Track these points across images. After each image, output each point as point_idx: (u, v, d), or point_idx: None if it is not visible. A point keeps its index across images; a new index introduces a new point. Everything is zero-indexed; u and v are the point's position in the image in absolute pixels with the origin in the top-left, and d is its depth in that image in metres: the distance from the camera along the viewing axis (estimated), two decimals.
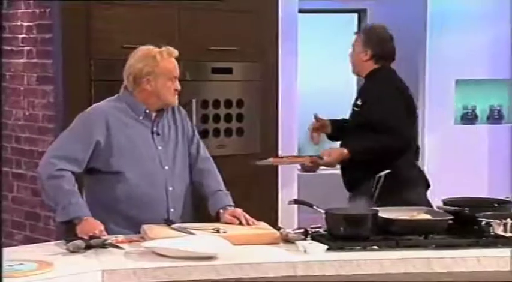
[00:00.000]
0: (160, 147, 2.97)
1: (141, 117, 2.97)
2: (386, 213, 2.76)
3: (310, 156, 3.61)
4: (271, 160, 3.75)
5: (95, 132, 2.88)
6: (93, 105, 3.06)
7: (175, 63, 3.00)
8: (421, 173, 3.68)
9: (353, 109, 3.61)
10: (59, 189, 2.80)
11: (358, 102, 3.57)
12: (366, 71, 3.59)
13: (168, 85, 2.96)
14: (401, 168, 3.49)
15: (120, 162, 2.88)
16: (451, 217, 2.77)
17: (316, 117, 3.72)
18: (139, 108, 2.97)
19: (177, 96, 3.01)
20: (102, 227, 2.71)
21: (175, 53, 3.00)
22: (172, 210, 2.92)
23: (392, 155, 3.44)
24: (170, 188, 2.93)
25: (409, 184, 3.50)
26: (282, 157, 4.06)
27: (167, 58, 2.97)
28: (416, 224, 2.76)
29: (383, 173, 3.45)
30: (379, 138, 3.41)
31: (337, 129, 3.71)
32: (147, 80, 2.95)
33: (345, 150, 3.47)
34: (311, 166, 3.83)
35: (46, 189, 2.84)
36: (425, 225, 2.76)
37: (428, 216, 2.83)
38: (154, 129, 2.99)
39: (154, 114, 2.99)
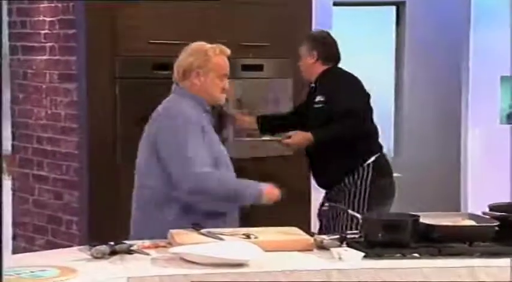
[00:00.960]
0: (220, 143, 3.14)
1: (204, 114, 3.09)
2: (426, 219, 2.74)
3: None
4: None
5: (200, 135, 3.00)
6: (174, 109, 3.07)
7: (227, 61, 3.13)
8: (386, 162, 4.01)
9: (314, 107, 3.90)
10: (226, 180, 2.99)
11: (319, 99, 3.87)
12: (317, 74, 3.95)
13: (216, 82, 3.09)
14: (383, 155, 3.94)
15: (218, 161, 3.03)
16: (497, 223, 2.74)
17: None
18: (203, 103, 3.09)
19: (224, 95, 3.15)
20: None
21: (228, 51, 3.13)
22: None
23: (357, 138, 3.78)
24: None
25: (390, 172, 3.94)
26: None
27: (219, 55, 3.10)
28: (460, 230, 2.74)
29: (371, 160, 3.84)
30: (343, 122, 3.72)
31: (271, 122, 4.11)
32: (197, 73, 3.07)
33: (309, 134, 3.78)
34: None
35: (216, 190, 2.95)
36: (469, 232, 2.73)
37: (472, 222, 2.80)
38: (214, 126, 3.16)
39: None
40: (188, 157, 2.92)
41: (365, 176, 3.83)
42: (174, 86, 3.17)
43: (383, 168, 3.92)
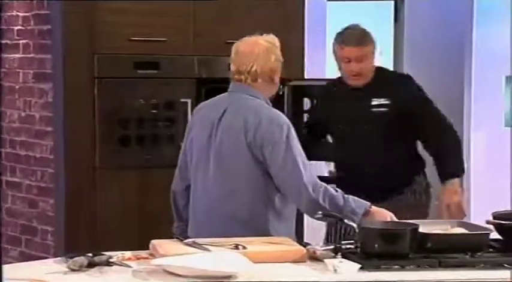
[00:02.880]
0: None
1: None
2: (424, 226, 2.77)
3: None
4: None
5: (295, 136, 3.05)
6: (268, 110, 3.07)
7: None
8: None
9: (371, 111, 3.56)
10: (332, 196, 2.95)
11: (380, 102, 3.56)
12: (373, 70, 3.60)
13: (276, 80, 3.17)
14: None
15: None
16: (490, 231, 2.76)
17: None
18: (268, 102, 3.12)
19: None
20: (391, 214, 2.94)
21: (278, 42, 3.22)
22: None
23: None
24: None
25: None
26: None
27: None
28: (453, 239, 2.75)
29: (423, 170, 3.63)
30: (449, 137, 3.52)
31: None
32: (278, 71, 3.15)
33: (457, 186, 3.44)
34: None
35: (323, 205, 2.94)
36: (463, 240, 2.75)
37: (463, 230, 2.83)
38: None
39: None
40: (298, 168, 2.95)
41: (424, 186, 3.65)
42: (236, 84, 3.11)
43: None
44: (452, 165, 3.48)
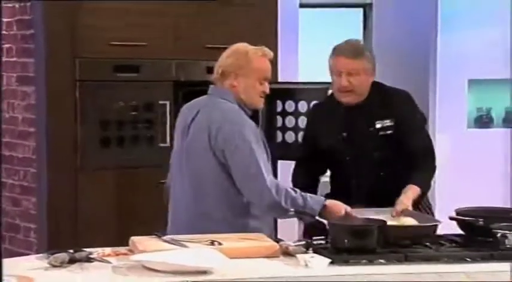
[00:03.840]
0: None
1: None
2: (369, 214, 2.89)
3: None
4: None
5: (260, 140, 3.00)
6: (234, 113, 3.01)
7: (269, 64, 3.07)
8: None
9: (378, 134, 3.30)
10: (292, 198, 2.94)
11: (385, 124, 3.30)
12: (368, 89, 3.32)
13: (256, 85, 3.03)
14: None
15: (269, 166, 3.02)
16: (438, 223, 2.83)
17: None
18: (243, 106, 3.06)
19: (263, 100, 3.09)
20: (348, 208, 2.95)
21: (270, 54, 3.07)
22: None
23: None
24: None
25: None
26: None
27: (261, 57, 3.04)
28: (403, 231, 2.82)
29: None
30: (427, 162, 3.31)
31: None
32: (235, 75, 3.02)
33: (410, 196, 3.17)
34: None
35: (284, 207, 2.93)
36: (413, 232, 2.82)
37: (413, 221, 2.90)
38: None
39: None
40: (260, 170, 2.91)
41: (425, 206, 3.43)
42: (212, 87, 3.11)
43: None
44: (422, 181, 3.24)
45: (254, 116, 3.11)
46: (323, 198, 3.02)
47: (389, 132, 3.29)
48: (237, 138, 2.93)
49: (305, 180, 3.31)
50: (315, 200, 2.97)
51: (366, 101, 3.31)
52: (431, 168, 3.35)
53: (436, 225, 2.86)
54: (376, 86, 3.36)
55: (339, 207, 2.97)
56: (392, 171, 3.28)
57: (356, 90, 3.26)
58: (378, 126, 3.30)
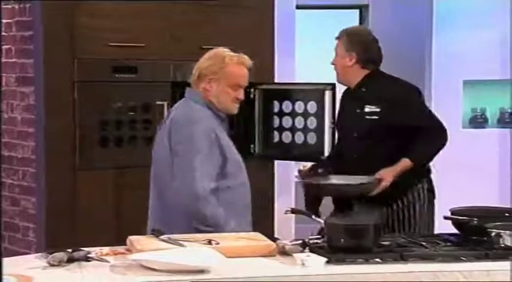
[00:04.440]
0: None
1: (219, 121, 3.10)
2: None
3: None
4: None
5: (214, 144, 2.99)
6: (195, 117, 3.03)
7: (245, 72, 3.11)
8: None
9: (365, 118, 3.46)
10: (218, 211, 2.96)
11: (372, 109, 3.44)
12: (356, 78, 3.50)
13: (228, 90, 3.07)
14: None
15: (231, 170, 3.03)
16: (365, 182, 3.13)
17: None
18: (217, 111, 3.09)
19: (237, 105, 3.12)
20: None
21: (248, 62, 3.11)
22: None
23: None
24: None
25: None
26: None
27: (236, 64, 3.08)
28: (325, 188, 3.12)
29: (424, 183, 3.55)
30: (427, 139, 3.41)
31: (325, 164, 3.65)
32: (210, 79, 3.06)
33: (396, 168, 3.37)
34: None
35: (206, 214, 2.95)
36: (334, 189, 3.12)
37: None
38: (229, 133, 3.15)
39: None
40: (194, 174, 2.92)
41: (422, 197, 3.53)
42: (188, 89, 3.15)
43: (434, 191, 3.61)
44: (414, 154, 3.38)
45: (230, 121, 3.17)
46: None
47: (375, 117, 3.42)
48: (184, 139, 2.97)
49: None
50: (236, 228, 2.94)
51: (363, 86, 3.50)
52: (432, 142, 3.44)
53: (362, 184, 3.09)
54: (379, 74, 3.54)
55: None
56: (369, 155, 3.43)
57: (338, 70, 3.55)
58: (366, 110, 3.45)
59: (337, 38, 3.56)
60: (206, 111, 3.06)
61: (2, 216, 4.62)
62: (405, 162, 3.38)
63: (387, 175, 3.36)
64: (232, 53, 3.10)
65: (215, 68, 3.06)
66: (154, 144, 3.18)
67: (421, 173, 3.54)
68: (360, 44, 3.51)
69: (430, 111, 3.60)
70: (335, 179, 3.38)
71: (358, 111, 3.48)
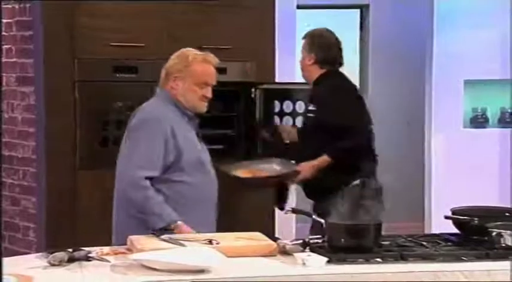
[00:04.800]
0: (203, 149, 3.17)
1: (186, 119, 3.12)
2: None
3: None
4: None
5: (164, 136, 3.01)
6: (145, 109, 3.12)
7: (210, 70, 3.14)
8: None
9: (307, 115, 3.85)
10: (146, 198, 2.97)
11: (311, 108, 3.78)
12: (313, 77, 3.79)
13: (194, 89, 3.11)
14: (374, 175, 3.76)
15: (188, 164, 3.04)
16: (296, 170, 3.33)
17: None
18: (184, 109, 3.12)
19: (205, 104, 3.15)
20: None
21: (214, 60, 3.14)
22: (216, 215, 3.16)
23: (359, 154, 3.67)
24: (216, 191, 3.16)
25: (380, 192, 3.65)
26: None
27: (200, 62, 3.11)
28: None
29: (357, 182, 3.60)
30: (345, 138, 3.62)
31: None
32: (175, 78, 3.11)
33: (314, 162, 3.66)
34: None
35: (133, 200, 2.99)
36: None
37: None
38: (198, 131, 3.17)
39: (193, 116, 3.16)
40: (130, 157, 2.99)
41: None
42: (157, 89, 3.20)
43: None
44: (332, 150, 3.64)
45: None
46: (176, 218, 2.95)
47: (311, 115, 3.77)
48: (133, 126, 3.06)
49: None
50: (167, 213, 2.95)
51: (318, 84, 3.79)
52: (348, 141, 3.62)
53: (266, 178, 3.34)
54: (333, 75, 3.79)
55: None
56: (305, 149, 3.76)
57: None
58: (309, 108, 3.81)
59: (303, 38, 3.86)
60: (169, 107, 3.10)
61: (2, 216, 4.62)
62: (323, 158, 3.66)
63: (305, 168, 3.65)
64: (198, 52, 3.15)
65: (180, 67, 3.11)
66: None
67: (351, 175, 3.62)
68: (319, 46, 3.77)
69: (354, 112, 3.71)
70: (261, 164, 3.62)
71: (307, 108, 3.85)
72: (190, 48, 3.18)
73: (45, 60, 4.10)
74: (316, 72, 3.77)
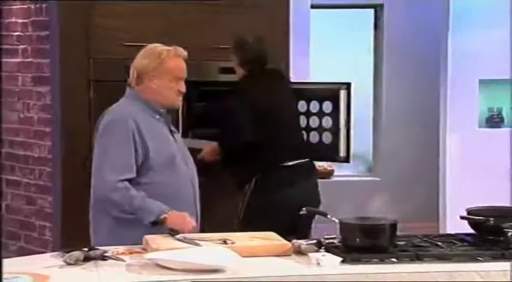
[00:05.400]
0: (178, 146, 3.11)
1: (157, 116, 3.08)
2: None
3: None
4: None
5: (132, 136, 2.97)
6: (112, 111, 3.08)
7: (182, 64, 3.10)
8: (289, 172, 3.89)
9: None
10: (131, 197, 2.92)
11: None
12: (239, 76, 4.02)
13: (171, 85, 3.07)
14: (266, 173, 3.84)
15: (157, 163, 2.99)
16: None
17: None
18: (154, 107, 3.08)
19: (181, 98, 3.11)
20: (194, 223, 2.90)
21: (184, 53, 3.10)
22: (197, 210, 3.10)
23: (237, 153, 3.84)
24: (195, 186, 3.11)
25: (274, 187, 3.81)
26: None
27: (173, 57, 3.07)
28: None
29: (252, 182, 3.84)
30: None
31: None
32: (152, 76, 3.05)
33: (215, 146, 3.96)
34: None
35: (117, 202, 2.93)
36: None
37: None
38: (171, 128, 3.12)
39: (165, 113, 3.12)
40: (103, 163, 2.94)
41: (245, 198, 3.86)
42: (127, 90, 3.14)
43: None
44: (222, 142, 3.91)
45: (174, 117, 3.24)
46: (165, 209, 2.91)
47: None
48: (100, 130, 3.01)
49: None
50: (155, 207, 2.91)
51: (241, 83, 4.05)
52: (231, 139, 3.89)
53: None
54: (253, 75, 4.01)
55: (181, 223, 2.88)
56: None
57: None
58: None
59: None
60: (138, 106, 3.05)
61: (19, 215, 4.64)
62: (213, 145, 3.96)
63: (207, 148, 3.97)
64: (166, 47, 3.09)
65: (154, 64, 3.04)
66: None
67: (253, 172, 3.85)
68: (237, 49, 4.00)
69: (237, 112, 3.85)
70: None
71: None
72: (157, 44, 3.12)
73: (61, 60, 4.12)
74: (240, 72, 4.02)
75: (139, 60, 3.09)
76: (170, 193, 3.01)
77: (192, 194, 3.10)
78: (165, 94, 3.06)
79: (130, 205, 2.93)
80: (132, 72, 3.10)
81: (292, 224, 3.48)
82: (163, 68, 3.05)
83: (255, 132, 3.81)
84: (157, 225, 2.89)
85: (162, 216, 2.89)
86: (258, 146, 3.80)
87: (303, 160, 3.90)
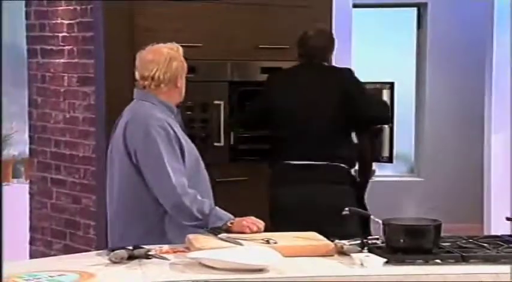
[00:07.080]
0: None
1: (172, 116, 3.08)
2: None
3: None
4: None
5: (173, 139, 2.96)
6: (143, 114, 3.02)
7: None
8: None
9: None
10: (202, 202, 2.91)
11: None
12: None
13: (184, 83, 3.13)
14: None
15: (189, 165, 2.99)
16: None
17: None
18: (171, 107, 3.08)
19: None
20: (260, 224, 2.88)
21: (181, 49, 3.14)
22: None
23: None
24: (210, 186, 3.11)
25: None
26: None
27: (180, 55, 3.12)
28: None
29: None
30: None
31: None
32: (180, 77, 3.08)
33: None
34: None
35: (188, 207, 2.89)
36: None
37: None
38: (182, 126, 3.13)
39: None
40: (166, 169, 2.89)
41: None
42: (138, 92, 3.10)
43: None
44: None
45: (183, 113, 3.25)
46: (231, 216, 2.89)
47: None
48: (143, 137, 2.93)
49: None
50: (222, 214, 2.89)
51: None
52: None
53: None
54: None
55: (244, 227, 2.85)
56: None
57: None
58: None
59: None
60: (161, 108, 3.03)
61: (64, 213, 4.69)
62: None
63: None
64: (175, 45, 3.11)
65: (181, 64, 3.07)
66: (110, 146, 3.12)
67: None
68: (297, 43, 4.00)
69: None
70: None
71: None
72: (160, 45, 3.13)
73: (105, 60, 4.16)
74: None
75: (166, 64, 3.03)
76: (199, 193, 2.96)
77: (212, 194, 3.09)
78: (183, 92, 3.12)
79: (199, 210, 2.88)
80: (158, 76, 3.03)
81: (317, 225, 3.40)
82: (184, 66, 3.11)
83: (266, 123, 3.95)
84: (214, 231, 2.85)
85: (229, 222, 2.87)
86: (272, 141, 3.90)
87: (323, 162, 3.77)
